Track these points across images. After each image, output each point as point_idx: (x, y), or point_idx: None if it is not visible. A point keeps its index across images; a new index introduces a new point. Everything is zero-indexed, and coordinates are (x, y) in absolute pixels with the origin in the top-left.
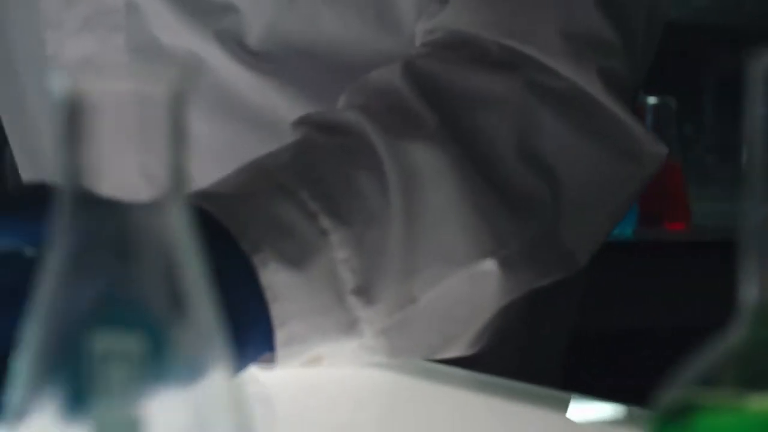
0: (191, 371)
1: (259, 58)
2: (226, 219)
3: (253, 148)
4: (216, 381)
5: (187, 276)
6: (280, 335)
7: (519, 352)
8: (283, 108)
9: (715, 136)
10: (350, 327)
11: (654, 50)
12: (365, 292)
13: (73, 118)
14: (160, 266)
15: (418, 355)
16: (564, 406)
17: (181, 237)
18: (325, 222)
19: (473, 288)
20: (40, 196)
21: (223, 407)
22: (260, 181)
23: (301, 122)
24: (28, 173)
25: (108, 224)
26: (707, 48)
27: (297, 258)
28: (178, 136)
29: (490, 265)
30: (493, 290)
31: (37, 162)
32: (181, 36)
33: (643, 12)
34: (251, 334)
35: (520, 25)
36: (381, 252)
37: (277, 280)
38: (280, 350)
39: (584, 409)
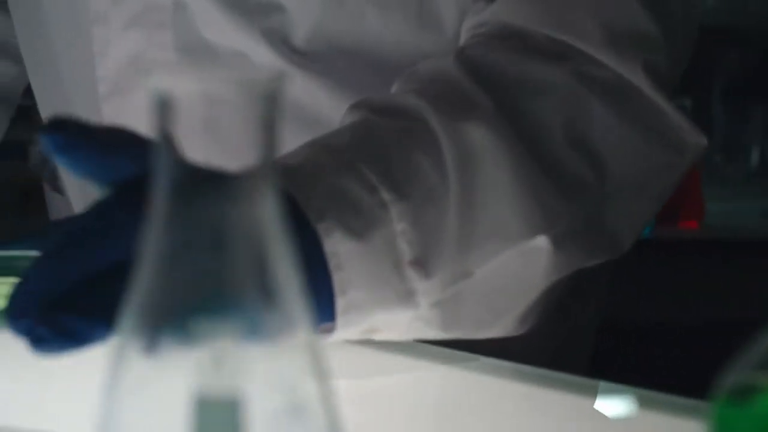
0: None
1: (305, 57)
2: (291, 188)
3: (297, 145)
4: (303, 361)
5: (278, 265)
6: (340, 303)
7: (549, 346)
8: (327, 106)
9: (723, 136)
10: (407, 298)
11: (692, 45)
12: (422, 264)
13: (169, 116)
14: (253, 254)
15: (468, 330)
16: (593, 393)
17: (272, 225)
18: (385, 195)
19: (524, 264)
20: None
21: (310, 387)
22: (323, 156)
23: (358, 106)
24: (72, 185)
25: (204, 216)
26: (714, 48)
27: (359, 228)
28: (270, 133)
29: (541, 243)
30: (543, 267)
31: None
32: (227, 34)
33: (682, 7)
34: (314, 301)
35: (566, 18)
36: (438, 226)
37: (340, 248)
38: (340, 318)
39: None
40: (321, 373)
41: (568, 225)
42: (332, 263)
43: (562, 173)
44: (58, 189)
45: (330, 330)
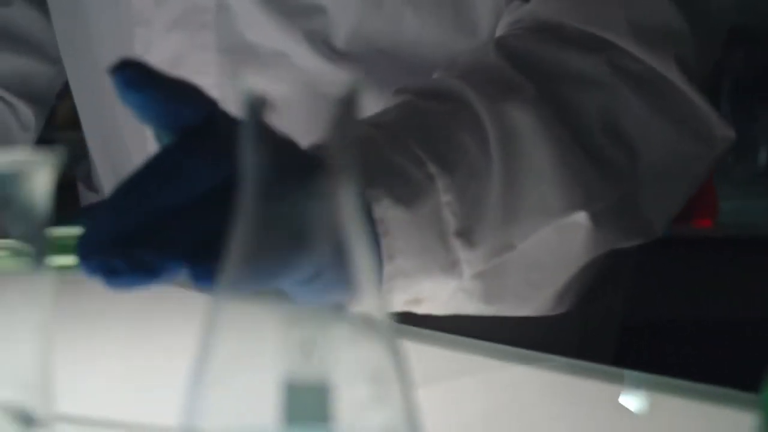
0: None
1: (344, 58)
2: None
3: None
4: (384, 352)
5: (357, 251)
6: (387, 268)
7: (575, 339)
8: (368, 104)
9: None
10: (451, 267)
11: (721, 41)
12: (466, 235)
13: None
14: (334, 243)
15: (508, 303)
16: (618, 381)
17: (352, 214)
18: (432, 168)
19: (563, 241)
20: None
21: (391, 376)
22: (371, 131)
23: (403, 90)
24: (104, 166)
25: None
26: (722, 47)
27: (406, 197)
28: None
29: (579, 220)
30: (580, 243)
31: (115, 155)
32: (270, 35)
33: (711, 4)
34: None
35: (599, 14)
36: (481, 200)
37: (388, 215)
38: (386, 284)
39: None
40: (400, 363)
41: (605, 204)
42: (380, 228)
43: (598, 156)
44: (93, 188)
45: (347, 298)
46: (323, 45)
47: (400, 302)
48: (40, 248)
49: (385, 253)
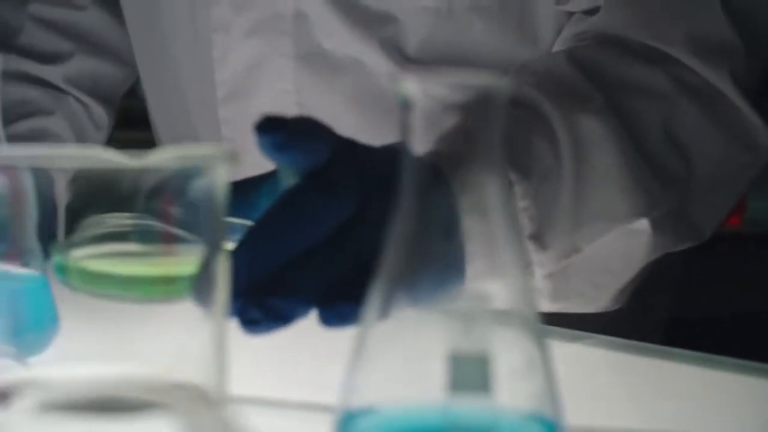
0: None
1: (416, 64)
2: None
3: None
4: (530, 328)
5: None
6: (469, 270)
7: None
8: None
9: None
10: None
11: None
12: (539, 238)
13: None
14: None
15: (573, 302)
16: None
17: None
18: (511, 175)
19: (627, 244)
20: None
21: (536, 351)
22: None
23: None
24: None
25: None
26: None
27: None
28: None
29: (641, 225)
30: (642, 247)
31: None
32: (346, 43)
33: (759, 18)
34: (447, 267)
35: (660, 28)
36: (553, 204)
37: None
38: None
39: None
40: (542, 341)
41: (663, 210)
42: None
43: (659, 165)
44: None
45: (420, 302)
46: (396, 52)
47: None
48: (217, 240)
49: (471, 256)
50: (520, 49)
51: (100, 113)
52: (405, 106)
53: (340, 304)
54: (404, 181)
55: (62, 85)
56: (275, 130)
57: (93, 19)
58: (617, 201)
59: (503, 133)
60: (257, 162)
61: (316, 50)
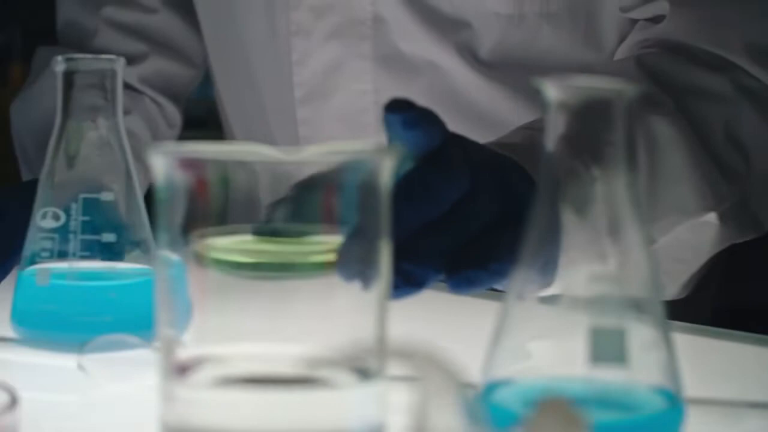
0: None
1: (488, 68)
2: (521, 161)
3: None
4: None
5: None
6: (562, 260)
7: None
8: (505, 110)
9: None
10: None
11: None
12: (616, 233)
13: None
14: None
15: None
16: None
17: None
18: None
19: (696, 236)
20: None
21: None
22: (538, 137)
23: None
24: None
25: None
26: None
27: None
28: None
29: (710, 218)
30: (710, 239)
31: None
32: (422, 46)
33: None
34: (539, 260)
35: (723, 36)
36: None
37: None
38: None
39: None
40: (664, 321)
41: (728, 205)
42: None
43: (722, 163)
44: None
45: (549, 285)
46: (470, 56)
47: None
48: (381, 227)
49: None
50: (586, 53)
51: (173, 112)
52: (546, 106)
53: (466, 270)
54: (542, 175)
55: (138, 86)
56: (406, 110)
57: (164, 22)
58: (688, 196)
59: (627, 132)
60: None
61: (394, 53)
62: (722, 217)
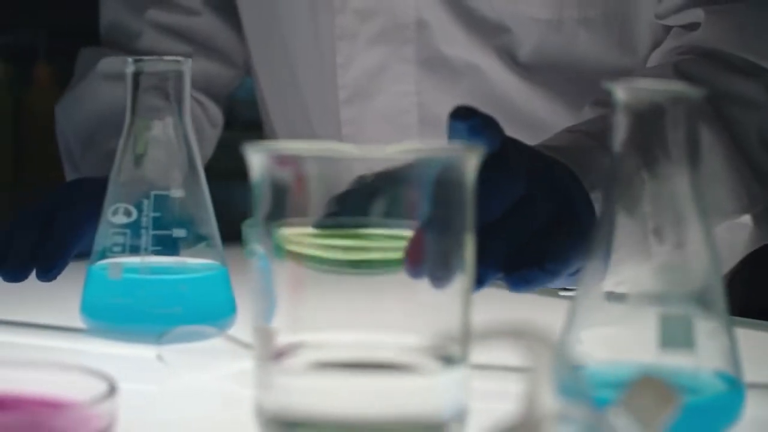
0: None
1: (527, 71)
2: (569, 163)
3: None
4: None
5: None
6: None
7: None
8: (543, 111)
9: None
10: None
11: None
12: (659, 232)
13: None
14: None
15: None
16: None
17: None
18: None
19: (732, 236)
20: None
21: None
22: (584, 140)
23: (599, 102)
24: None
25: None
26: None
27: None
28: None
29: (745, 219)
30: (745, 239)
31: None
32: (464, 49)
33: None
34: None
35: (756, 43)
36: None
37: None
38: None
39: None
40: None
41: (762, 207)
42: None
43: (758, 167)
44: None
45: (616, 279)
46: (509, 59)
47: (610, 284)
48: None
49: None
50: (620, 57)
51: (215, 111)
52: (616, 107)
53: (524, 269)
54: (608, 175)
55: None
56: (471, 117)
57: (206, 24)
58: (725, 199)
59: (690, 132)
60: None
61: (436, 56)
62: (757, 219)
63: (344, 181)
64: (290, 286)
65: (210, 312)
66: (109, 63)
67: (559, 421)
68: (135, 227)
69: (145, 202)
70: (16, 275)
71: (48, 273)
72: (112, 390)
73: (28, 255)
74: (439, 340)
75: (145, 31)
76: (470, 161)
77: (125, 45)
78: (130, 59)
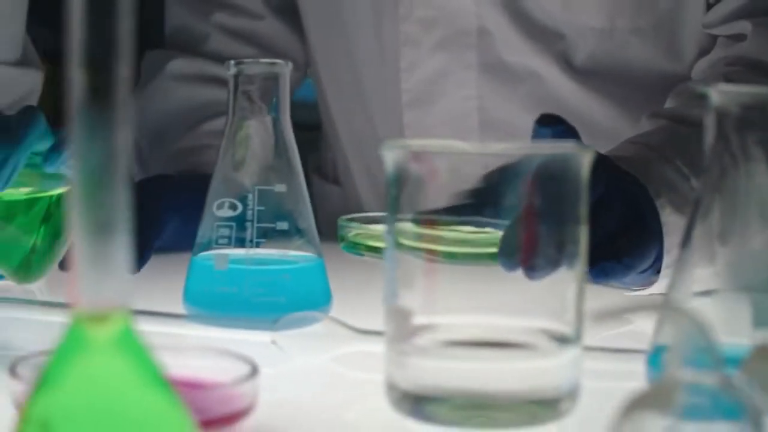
0: None
1: (582, 76)
2: (634, 172)
3: None
4: None
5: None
6: (666, 260)
7: None
8: (597, 114)
9: None
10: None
11: None
12: (725, 236)
13: None
14: None
15: None
16: None
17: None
18: (694, 182)
19: None
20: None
21: None
22: (646, 152)
23: (657, 115)
24: (358, 165)
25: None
26: None
27: (679, 206)
28: None
29: None
30: None
31: (370, 156)
32: (524, 55)
33: None
34: (648, 259)
35: None
36: None
37: (670, 220)
38: (663, 272)
39: None
40: None
41: None
42: (666, 230)
43: None
44: (325, 177)
45: (652, 283)
46: (566, 65)
47: (662, 286)
48: (581, 217)
49: (666, 248)
50: (668, 64)
51: None
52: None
53: (604, 263)
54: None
55: None
56: (556, 124)
57: (270, 28)
58: None
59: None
60: None
61: (497, 61)
62: None
63: (470, 176)
64: (423, 273)
65: (309, 300)
66: (178, 65)
67: (688, 389)
68: (240, 220)
69: (249, 196)
70: None
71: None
72: (254, 371)
73: None
74: (556, 322)
75: (211, 34)
76: (586, 158)
77: (192, 48)
78: (231, 62)
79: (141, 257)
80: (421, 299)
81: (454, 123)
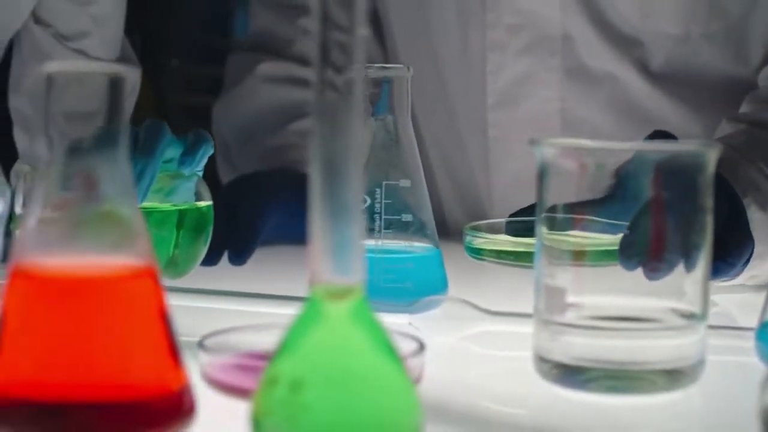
0: None
1: (658, 79)
2: (723, 173)
3: None
4: None
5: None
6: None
7: None
8: (672, 115)
9: None
10: None
11: None
12: None
13: None
14: None
15: None
16: None
17: None
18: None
19: None
20: None
21: None
22: (730, 153)
23: (737, 119)
24: (443, 176)
25: None
26: None
27: (763, 204)
28: None
29: None
30: None
31: (456, 167)
32: (604, 60)
33: None
34: (736, 254)
35: None
36: None
37: (756, 217)
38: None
39: None
40: None
41: None
42: (752, 226)
43: None
44: None
45: (737, 275)
46: (643, 69)
47: (745, 277)
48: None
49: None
50: (735, 68)
51: None
52: None
53: (714, 262)
54: None
55: None
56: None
57: None
58: None
59: None
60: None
61: (579, 66)
62: None
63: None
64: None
65: (433, 285)
66: (267, 67)
67: None
68: (369, 212)
69: (377, 190)
70: (212, 259)
71: (239, 257)
72: (421, 347)
73: (221, 242)
74: (683, 302)
75: (297, 38)
76: (713, 155)
77: (278, 51)
78: None
79: (247, 249)
80: (573, 280)
81: (536, 123)
